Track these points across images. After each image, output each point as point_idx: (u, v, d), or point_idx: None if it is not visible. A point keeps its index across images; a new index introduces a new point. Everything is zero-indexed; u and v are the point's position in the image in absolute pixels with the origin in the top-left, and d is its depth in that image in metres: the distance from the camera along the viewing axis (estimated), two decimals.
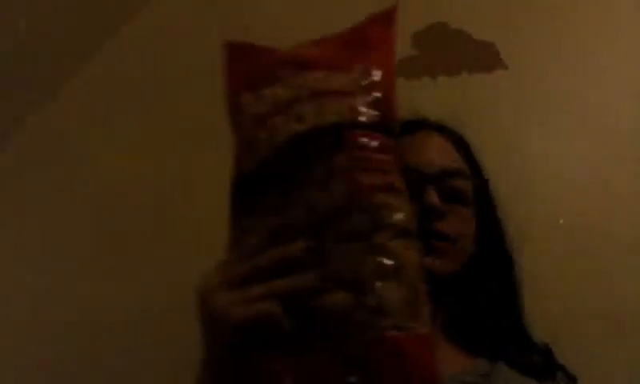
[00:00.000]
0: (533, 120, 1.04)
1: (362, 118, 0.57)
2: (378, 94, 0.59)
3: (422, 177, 0.79)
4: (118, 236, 1.10)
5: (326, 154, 0.56)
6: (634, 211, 0.99)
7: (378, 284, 0.52)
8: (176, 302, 1.06)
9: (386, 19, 0.65)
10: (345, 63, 0.60)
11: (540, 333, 0.81)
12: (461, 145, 0.86)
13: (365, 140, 0.57)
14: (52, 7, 1.07)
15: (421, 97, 1.09)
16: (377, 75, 0.60)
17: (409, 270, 0.54)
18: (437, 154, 0.82)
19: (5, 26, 1.04)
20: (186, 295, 1.06)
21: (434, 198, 0.77)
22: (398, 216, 0.55)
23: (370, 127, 0.57)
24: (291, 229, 0.54)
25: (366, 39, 0.63)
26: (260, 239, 0.55)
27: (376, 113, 0.58)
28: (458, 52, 1.09)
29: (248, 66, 0.63)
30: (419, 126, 0.87)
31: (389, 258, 0.53)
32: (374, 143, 0.57)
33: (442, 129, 0.87)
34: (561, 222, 0.97)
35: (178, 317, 1.05)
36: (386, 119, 0.59)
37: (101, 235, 1.11)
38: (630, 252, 0.97)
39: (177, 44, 1.17)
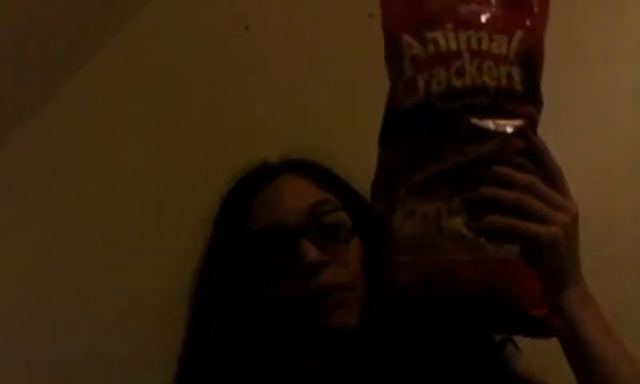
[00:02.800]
0: None
1: (517, 87, 0.63)
2: (530, 66, 0.64)
3: (290, 232, 0.71)
4: (119, 235, 1.11)
5: (479, 114, 0.62)
6: (634, 210, 0.99)
7: None
8: (178, 300, 1.06)
9: None
10: (506, 26, 0.65)
11: None
12: (320, 175, 0.79)
13: (518, 108, 0.63)
14: (52, 7, 1.07)
15: None
16: (532, 46, 0.65)
17: None
18: (296, 198, 0.74)
19: (5, 26, 1.04)
20: (187, 293, 1.07)
21: (310, 252, 0.69)
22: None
23: (522, 98, 0.63)
24: (443, 171, 0.62)
25: (528, 1, 0.67)
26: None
27: (528, 84, 0.64)
28: None
29: (408, 6, 0.67)
30: (268, 175, 0.79)
31: None
32: (525, 112, 0.63)
33: (292, 168, 0.80)
34: None
35: (179, 316, 1.05)
36: (535, 91, 0.65)
37: (101, 235, 1.11)
38: (630, 250, 0.98)
39: (177, 44, 1.17)
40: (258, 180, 0.79)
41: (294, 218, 0.72)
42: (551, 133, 1.06)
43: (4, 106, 1.11)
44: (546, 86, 0.66)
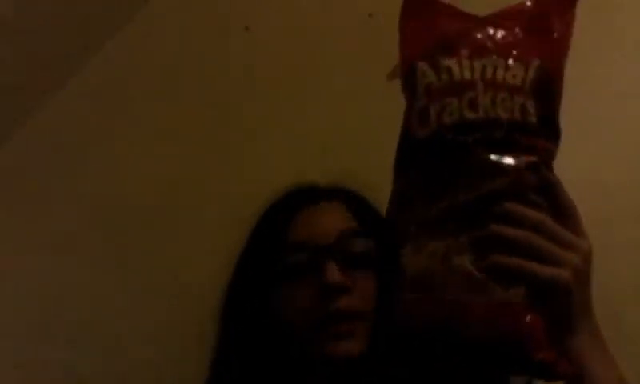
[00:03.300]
0: None
1: (531, 120, 0.61)
2: (546, 97, 0.62)
3: (319, 250, 0.73)
4: (120, 235, 1.11)
5: (492, 148, 0.60)
6: (633, 211, 0.99)
7: None
8: (179, 299, 1.06)
9: (569, 1, 0.66)
10: (523, 53, 0.62)
11: None
12: (354, 203, 0.81)
13: (532, 142, 0.60)
14: (52, 7, 1.07)
15: None
16: (549, 75, 0.62)
17: None
18: (332, 222, 0.76)
19: (5, 26, 1.04)
20: (188, 292, 1.07)
21: (334, 274, 0.70)
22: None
23: (536, 131, 0.61)
24: (454, 206, 0.60)
25: (548, 25, 0.64)
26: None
27: (543, 116, 0.61)
28: None
29: (425, 30, 0.65)
30: (315, 196, 0.81)
31: None
32: (539, 146, 0.61)
33: (330, 194, 0.82)
34: None
35: (180, 314, 1.05)
36: (551, 124, 0.62)
37: (102, 235, 1.11)
38: (630, 250, 0.98)
39: (177, 44, 1.17)
40: (304, 198, 0.81)
41: (324, 238, 0.74)
42: None
43: (4, 105, 1.11)
44: None
